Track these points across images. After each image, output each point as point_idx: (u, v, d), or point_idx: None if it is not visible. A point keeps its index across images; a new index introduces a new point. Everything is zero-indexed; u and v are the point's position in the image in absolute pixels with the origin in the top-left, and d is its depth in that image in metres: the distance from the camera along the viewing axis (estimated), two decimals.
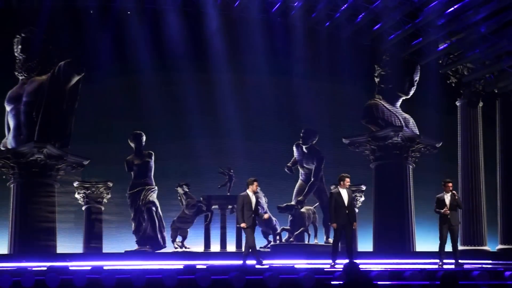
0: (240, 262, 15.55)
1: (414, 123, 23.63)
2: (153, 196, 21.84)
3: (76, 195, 23.18)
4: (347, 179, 15.76)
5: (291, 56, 23.89)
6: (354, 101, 23.92)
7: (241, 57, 23.76)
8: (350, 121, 24.31)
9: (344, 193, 15.71)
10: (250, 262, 15.63)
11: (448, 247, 16.44)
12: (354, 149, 23.62)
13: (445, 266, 15.95)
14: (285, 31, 23.38)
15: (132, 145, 22.17)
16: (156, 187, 21.92)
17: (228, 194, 22.18)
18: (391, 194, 22.81)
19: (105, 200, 23.23)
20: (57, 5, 21.99)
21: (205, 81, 23.70)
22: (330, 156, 22.78)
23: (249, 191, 15.57)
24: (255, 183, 15.60)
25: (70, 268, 14.39)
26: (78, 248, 22.83)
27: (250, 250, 15.50)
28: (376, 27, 22.54)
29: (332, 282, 13.04)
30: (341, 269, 13.16)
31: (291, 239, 21.46)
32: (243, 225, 15.40)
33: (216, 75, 23.56)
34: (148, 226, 21.65)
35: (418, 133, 23.35)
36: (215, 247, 22.14)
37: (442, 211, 16.11)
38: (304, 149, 22.22)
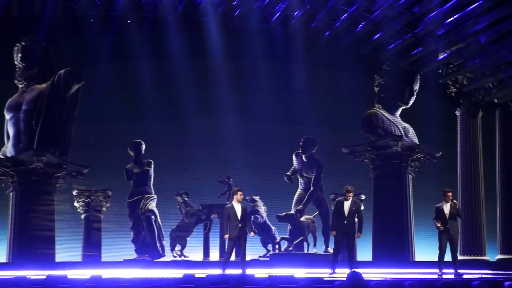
0: (240, 271, 15.60)
1: (413, 132, 23.64)
2: (152, 205, 21.80)
3: (75, 204, 23.17)
4: (349, 194, 15.98)
5: (291, 65, 23.94)
6: (353, 110, 23.94)
7: (241, 66, 23.83)
8: (349, 130, 24.32)
9: (346, 204, 15.87)
10: (249, 271, 15.71)
11: (448, 257, 16.43)
12: (353, 158, 23.60)
13: (444, 276, 15.94)
14: (285, 41, 23.44)
15: (132, 153, 22.14)
16: (155, 196, 21.90)
17: (227, 203, 22.14)
18: (390, 203, 22.78)
19: (104, 208, 23.22)
20: (57, 13, 22.05)
21: (204, 90, 23.75)
22: (329, 165, 22.75)
23: (234, 202, 15.97)
24: (239, 193, 16.02)
25: (69, 276, 14.36)
26: (77, 257, 22.80)
27: (225, 258, 15.97)
28: (376, 36, 22.59)
29: None
30: (344, 278, 13.15)
31: (290, 248, 21.42)
32: (226, 236, 15.92)
33: (216, 84, 23.61)
34: (147, 234, 21.61)
35: (417, 143, 23.34)
36: (214, 256, 22.12)
37: (438, 225, 16.12)
38: (304, 158, 22.20)
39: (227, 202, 21.99)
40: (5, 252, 21.51)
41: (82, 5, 22.13)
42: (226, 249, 16.49)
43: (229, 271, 15.82)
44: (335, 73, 23.97)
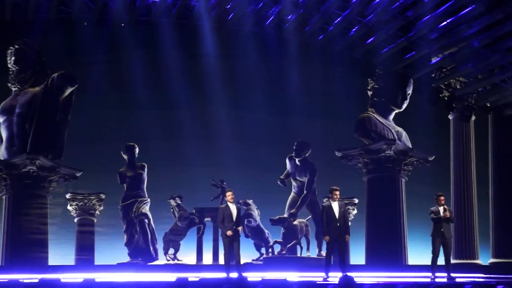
0: (235, 274, 15.58)
1: (406, 136, 23.68)
2: (146, 208, 21.80)
3: (69, 207, 23.15)
4: (336, 192, 15.93)
5: (285, 69, 24.00)
6: (347, 114, 23.97)
7: (234, 70, 23.88)
8: (343, 134, 24.37)
9: (335, 206, 15.83)
10: (246, 274, 15.70)
11: (441, 261, 16.46)
12: (347, 162, 23.61)
13: (437, 280, 15.96)
14: (279, 44, 23.47)
15: (125, 157, 22.13)
16: (148, 199, 21.89)
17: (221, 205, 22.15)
18: (383, 207, 22.78)
19: (97, 212, 23.21)
20: (51, 17, 22.04)
21: (198, 94, 23.82)
22: (323, 169, 22.77)
23: (229, 203, 15.84)
24: (228, 193, 15.90)
25: (62, 280, 14.34)
26: (70, 260, 22.76)
27: (225, 261, 15.82)
28: (369, 40, 22.62)
29: None
30: (336, 283, 13.16)
31: (283, 252, 21.42)
32: (228, 233, 15.62)
33: (209, 88, 23.66)
34: (140, 238, 21.60)
35: (410, 147, 23.37)
36: (207, 259, 22.12)
37: (442, 215, 16.14)
38: (297, 162, 22.21)
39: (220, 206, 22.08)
40: None
41: (76, 9, 22.11)
42: (224, 251, 16.14)
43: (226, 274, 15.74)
44: (329, 77, 24.02)
